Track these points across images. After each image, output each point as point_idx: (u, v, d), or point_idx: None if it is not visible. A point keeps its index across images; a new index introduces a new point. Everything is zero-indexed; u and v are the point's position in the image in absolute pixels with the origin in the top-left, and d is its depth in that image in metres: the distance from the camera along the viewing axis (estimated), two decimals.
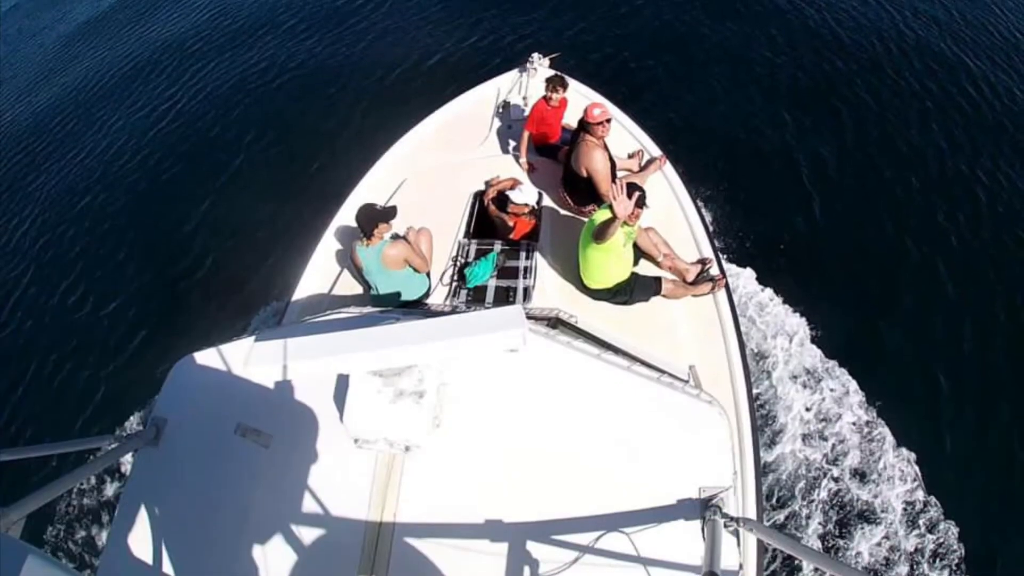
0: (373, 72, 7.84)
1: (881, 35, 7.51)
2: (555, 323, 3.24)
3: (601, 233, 3.30)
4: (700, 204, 4.68)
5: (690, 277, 3.86)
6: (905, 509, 3.89)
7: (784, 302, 4.81)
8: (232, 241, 6.19)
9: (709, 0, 8.10)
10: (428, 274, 3.85)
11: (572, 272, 3.80)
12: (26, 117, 9.46)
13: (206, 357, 2.47)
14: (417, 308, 3.70)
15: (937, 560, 3.73)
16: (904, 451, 4.09)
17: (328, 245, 4.20)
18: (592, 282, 3.66)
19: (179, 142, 7.72)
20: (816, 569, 3.58)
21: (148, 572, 2.12)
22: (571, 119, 4.44)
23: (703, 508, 1.93)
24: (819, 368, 4.47)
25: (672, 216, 4.20)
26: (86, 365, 5.55)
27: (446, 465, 2.15)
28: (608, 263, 3.52)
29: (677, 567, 1.87)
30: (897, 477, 4.00)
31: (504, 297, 3.79)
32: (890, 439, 4.14)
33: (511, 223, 4.07)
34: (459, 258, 3.99)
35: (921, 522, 3.84)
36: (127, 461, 4.11)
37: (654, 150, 4.63)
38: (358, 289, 3.97)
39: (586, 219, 3.60)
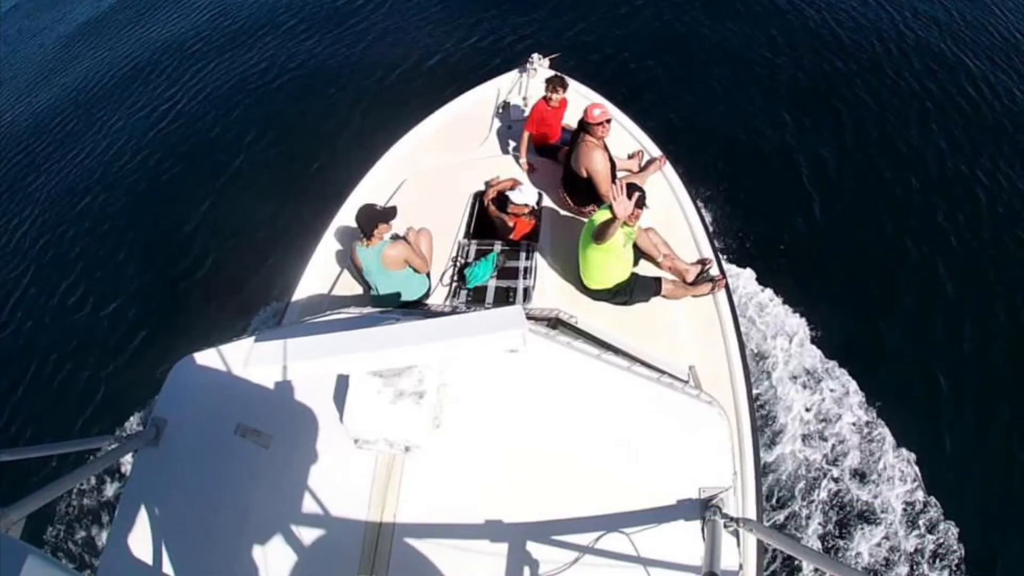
0: (373, 72, 7.84)
1: (881, 35, 7.52)
2: (555, 323, 3.24)
3: (601, 233, 3.30)
4: (700, 204, 4.68)
5: (690, 277, 3.86)
6: (905, 509, 3.89)
7: (784, 302, 4.81)
8: (232, 241, 6.19)
9: (709, 0, 8.11)
10: (428, 274, 3.85)
11: (572, 272, 3.80)
12: (26, 117, 9.46)
13: (206, 357, 2.47)
14: (417, 308, 3.70)
15: (937, 560, 3.73)
16: (904, 451, 4.09)
17: (328, 245, 4.20)
18: (592, 282, 3.66)
19: (179, 142, 7.72)
20: (816, 569, 3.58)
21: (148, 572, 2.12)
22: (571, 119, 4.44)
23: (703, 508, 1.93)
24: (819, 368, 4.48)
25: (672, 216, 4.20)
26: (86, 365, 5.55)
27: (446, 465, 2.15)
28: (608, 263, 3.52)
29: (677, 567, 1.87)
30: (897, 477, 4.00)
31: (504, 297, 3.79)
32: (890, 439, 4.14)
33: (511, 223, 4.07)
34: (459, 258, 3.99)
35: (921, 522, 3.84)
36: (127, 461, 4.11)
37: (654, 150, 4.63)
38: (358, 289, 3.97)
39: (586, 219, 3.60)
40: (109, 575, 2.22)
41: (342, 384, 2.20)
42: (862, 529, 3.84)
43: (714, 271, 3.91)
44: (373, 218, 3.46)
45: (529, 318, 2.36)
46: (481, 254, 3.99)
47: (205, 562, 2.16)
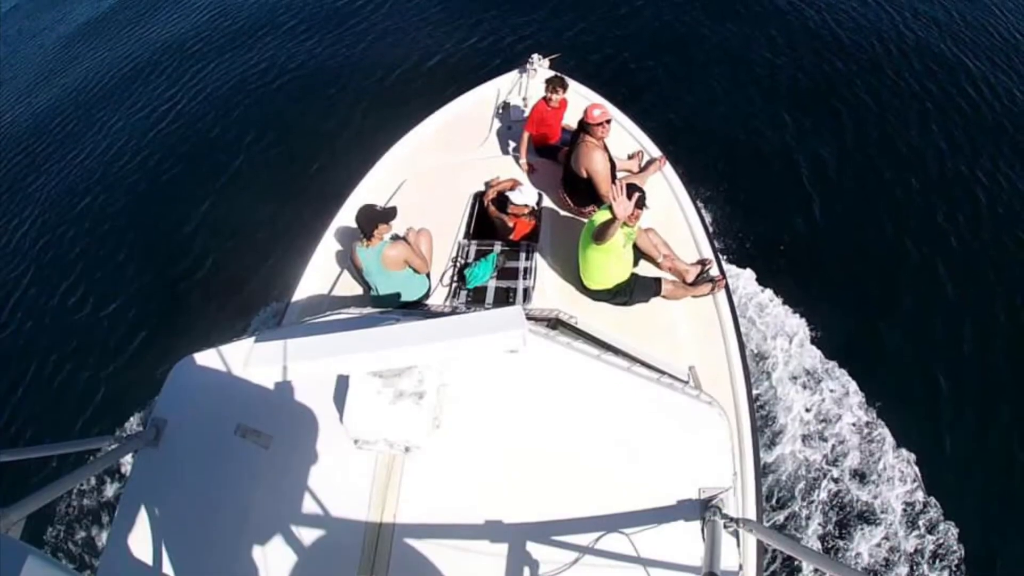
0: (373, 73, 7.84)
1: (881, 36, 7.52)
2: (555, 324, 3.24)
3: (601, 234, 3.30)
4: (700, 205, 4.69)
5: (690, 278, 3.86)
6: (905, 510, 3.89)
7: (784, 303, 4.81)
8: (232, 242, 6.20)
9: (709, 1, 8.11)
10: (428, 275, 3.85)
11: (572, 273, 3.80)
12: (26, 118, 9.47)
13: (206, 358, 2.47)
14: (417, 309, 3.70)
15: (937, 561, 3.73)
16: (904, 452, 4.09)
17: (328, 246, 4.20)
18: (592, 283, 3.66)
19: (179, 143, 7.72)
20: (816, 570, 3.57)
21: (148, 573, 2.12)
22: (571, 120, 4.44)
23: (703, 509, 1.93)
24: (819, 369, 4.48)
25: (672, 217, 4.20)
26: (86, 366, 5.55)
27: (446, 466, 2.15)
28: (608, 264, 3.52)
29: (677, 568, 1.87)
30: (897, 478, 4.00)
31: (504, 298, 3.79)
32: (890, 440, 4.14)
33: (511, 224, 4.07)
34: (459, 259, 3.99)
35: (921, 523, 3.84)
36: (127, 462, 4.11)
37: (654, 151, 4.63)
38: (358, 290, 3.97)
39: (586, 220, 3.61)
40: (109, 575, 2.22)
41: (342, 384, 2.20)
42: (862, 529, 3.84)
43: (714, 271, 3.91)
44: (373, 218, 3.46)
45: (529, 318, 2.36)
46: (481, 254, 3.99)
47: (205, 562, 2.16)
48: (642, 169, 4.51)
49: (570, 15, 8.20)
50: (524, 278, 3.85)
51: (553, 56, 5.26)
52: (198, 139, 7.67)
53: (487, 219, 4.22)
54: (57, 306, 6.20)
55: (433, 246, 3.90)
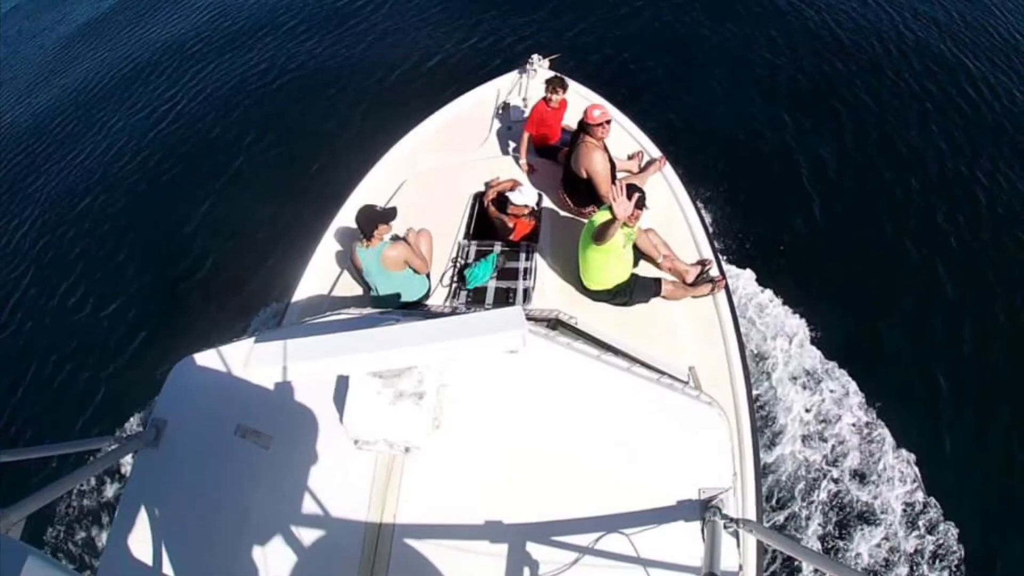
0: (373, 73, 7.85)
1: (881, 37, 7.52)
2: (555, 324, 3.24)
3: (601, 234, 3.30)
4: (700, 205, 4.69)
5: (690, 278, 3.86)
6: (905, 510, 3.89)
7: (784, 303, 4.82)
8: (232, 242, 6.20)
9: (709, 1, 8.12)
10: (428, 275, 3.85)
11: (572, 273, 3.80)
12: (26, 118, 9.47)
13: (206, 358, 2.47)
14: (417, 309, 3.70)
15: (937, 561, 3.73)
16: (904, 452, 4.09)
17: (328, 246, 4.20)
18: (592, 283, 3.66)
19: (179, 143, 7.73)
20: (816, 570, 3.57)
21: (148, 573, 2.12)
22: (571, 120, 4.45)
23: (703, 509, 1.93)
24: (819, 369, 4.48)
25: (672, 217, 4.20)
26: (86, 366, 5.55)
27: (446, 466, 2.15)
28: (608, 264, 3.52)
29: (677, 568, 1.87)
30: (897, 478, 4.00)
31: (504, 298, 3.79)
32: (890, 440, 4.15)
33: (511, 224, 4.07)
34: (459, 259, 3.99)
35: (921, 523, 3.84)
36: (127, 462, 4.11)
37: (654, 151, 4.63)
38: (358, 290, 3.97)
39: (586, 220, 3.61)
40: (109, 575, 2.22)
41: (342, 385, 2.20)
42: (862, 530, 3.84)
43: (714, 272, 3.91)
44: (373, 219, 3.47)
45: (529, 319, 2.36)
46: (481, 255, 3.99)
47: (205, 563, 2.16)
48: (642, 169, 4.51)
49: (570, 15, 8.20)
50: (524, 278, 3.85)
51: (553, 56, 5.27)
52: (198, 139, 7.67)
53: (487, 219, 4.22)
54: (57, 306, 6.20)
55: (433, 246, 3.90)
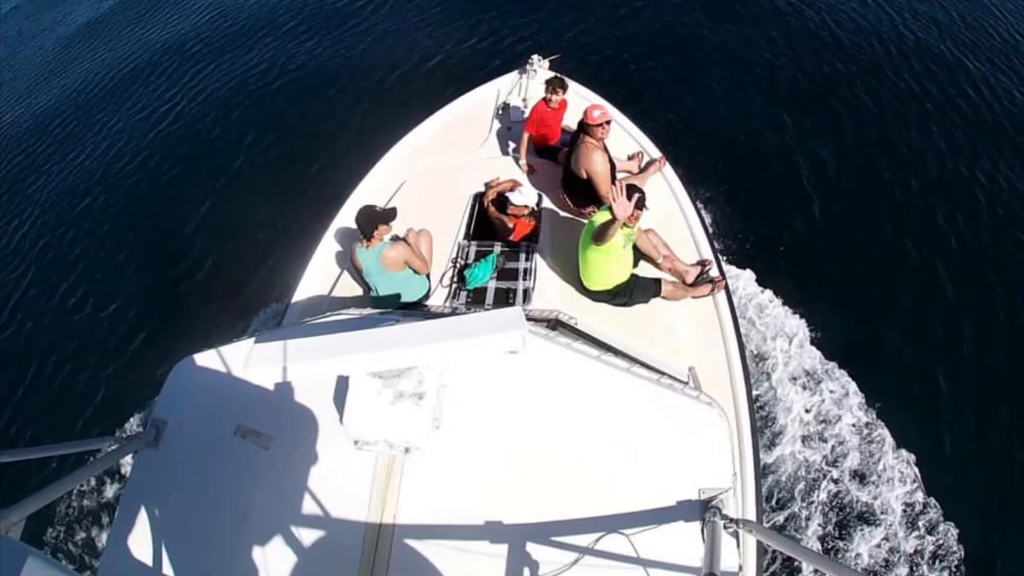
0: (373, 74, 7.85)
1: (881, 37, 7.52)
2: (555, 325, 3.25)
3: (601, 235, 3.30)
4: (700, 206, 4.69)
5: (690, 279, 3.86)
6: (905, 511, 3.89)
7: (784, 304, 4.82)
8: (232, 243, 6.20)
9: (709, 2, 8.12)
10: (428, 276, 3.85)
11: (572, 274, 3.80)
12: (26, 119, 9.47)
13: (206, 359, 2.47)
14: (417, 310, 3.70)
15: (937, 561, 3.73)
16: (904, 452, 4.09)
17: (328, 247, 4.21)
18: (592, 284, 3.66)
19: (179, 144, 7.73)
20: (815, 570, 3.57)
21: (148, 573, 2.12)
22: (571, 121, 4.45)
23: (703, 509, 1.93)
24: (819, 370, 4.48)
25: (672, 218, 4.21)
26: (86, 367, 5.55)
27: (446, 466, 2.15)
28: (608, 265, 3.53)
29: (677, 568, 1.88)
30: (897, 479, 4.00)
31: (504, 299, 3.79)
32: (890, 441, 4.15)
33: (511, 225, 4.07)
34: (459, 260, 3.99)
35: (921, 524, 3.84)
36: (127, 463, 4.12)
37: (654, 152, 4.63)
38: (358, 291, 3.97)
39: (586, 221, 3.61)
40: None
41: (342, 385, 2.20)
42: (862, 530, 3.84)
43: (714, 272, 3.91)
44: (373, 219, 3.47)
45: (529, 319, 2.36)
46: (481, 255, 3.99)
47: (205, 563, 2.16)
48: (642, 170, 4.51)
49: (570, 16, 8.21)
50: (524, 279, 3.85)
51: (553, 57, 5.27)
52: (198, 140, 7.68)
53: (487, 220, 4.22)
54: (57, 307, 6.21)
55: (433, 247, 3.90)
